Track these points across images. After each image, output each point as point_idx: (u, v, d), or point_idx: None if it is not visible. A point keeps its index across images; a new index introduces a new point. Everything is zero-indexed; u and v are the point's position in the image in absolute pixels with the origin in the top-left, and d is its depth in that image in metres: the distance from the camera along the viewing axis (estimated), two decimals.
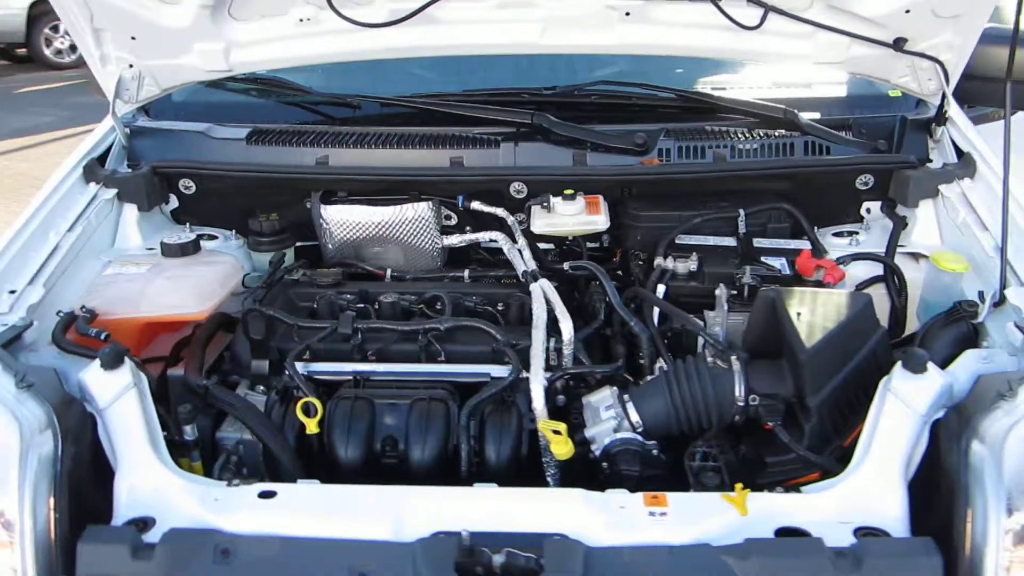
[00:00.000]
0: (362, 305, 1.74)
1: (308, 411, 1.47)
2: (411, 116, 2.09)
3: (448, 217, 2.01)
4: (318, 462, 1.49)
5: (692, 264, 1.74)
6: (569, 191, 1.85)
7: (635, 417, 1.47)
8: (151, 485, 1.27)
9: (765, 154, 1.95)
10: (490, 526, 1.18)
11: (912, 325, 1.77)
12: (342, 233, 1.95)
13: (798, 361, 1.40)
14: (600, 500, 1.25)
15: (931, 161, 1.98)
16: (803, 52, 1.90)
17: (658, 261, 1.76)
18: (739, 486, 1.26)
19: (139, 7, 1.79)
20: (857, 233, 1.95)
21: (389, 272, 1.92)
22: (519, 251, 1.83)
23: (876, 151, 2.00)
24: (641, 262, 1.85)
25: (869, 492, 1.25)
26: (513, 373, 1.51)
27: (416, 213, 1.92)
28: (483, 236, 1.94)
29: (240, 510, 1.21)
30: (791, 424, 1.43)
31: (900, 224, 1.89)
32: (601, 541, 1.18)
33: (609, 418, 1.50)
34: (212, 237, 2.00)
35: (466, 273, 1.90)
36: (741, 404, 1.44)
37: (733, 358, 1.47)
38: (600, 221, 1.82)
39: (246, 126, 2.08)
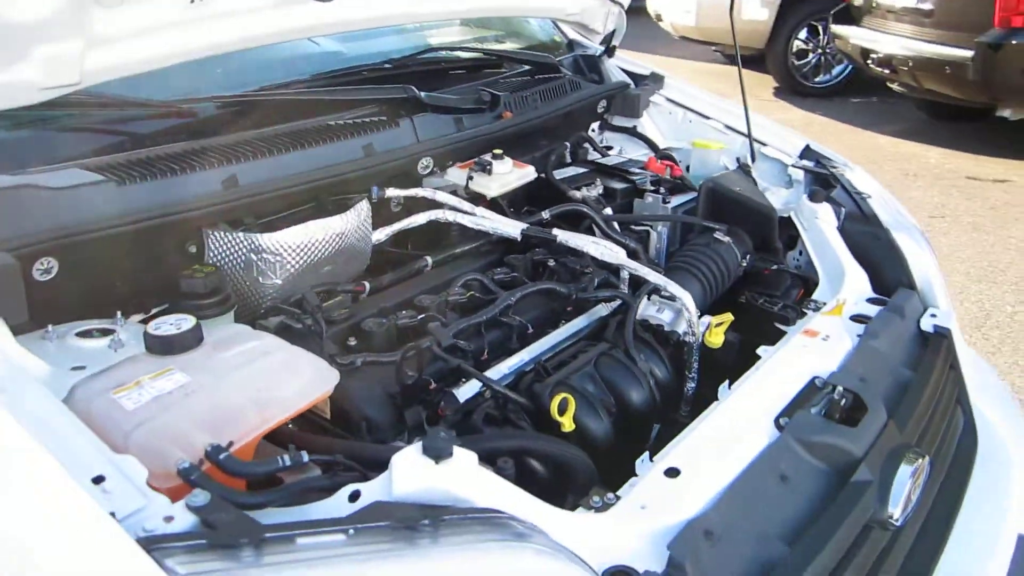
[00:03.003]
0: (420, 316, 1.54)
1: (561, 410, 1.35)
2: (273, 110, 1.74)
3: None
4: None
5: (599, 188, 2.04)
6: (497, 152, 1.90)
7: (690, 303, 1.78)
8: None
9: (558, 95, 2.29)
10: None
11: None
12: (298, 260, 1.59)
13: (767, 217, 1.92)
14: (794, 349, 1.58)
15: None
16: (564, 6, 2.28)
17: (576, 194, 2.00)
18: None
19: None
20: (610, 146, 2.48)
21: (367, 286, 1.67)
22: (483, 218, 1.82)
23: (593, 81, 2.53)
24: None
25: (855, 277, 1.87)
26: (633, 303, 1.63)
27: (365, 214, 1.70)
28: (414, 221, 1.83)
29: None
30: (769, 263, 1.94)
31: (634, 131, 2.49)
32: (832, 368, 1.53)
33: (675, 316, 1.77)
34: (104, 331, 1.38)
35: (429, 260, 1.78)
36: (744, 264, 1.90)
37: (721, 235, 1.89)
38: (531, 171, 1.94)
39: (73, 164, 1.44)
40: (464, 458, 1.04)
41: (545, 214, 1.88)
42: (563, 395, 1.36)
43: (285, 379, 1.24)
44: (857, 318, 1.72)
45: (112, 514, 0.90)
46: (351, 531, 0.93)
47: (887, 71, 6.32)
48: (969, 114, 6.41)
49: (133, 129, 1.60)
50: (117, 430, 1.11)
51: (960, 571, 1.35)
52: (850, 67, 7.77)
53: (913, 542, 1.35)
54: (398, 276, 1.72)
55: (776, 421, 1.35)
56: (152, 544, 0.87)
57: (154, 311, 1.54)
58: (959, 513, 1.44)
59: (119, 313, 1.43)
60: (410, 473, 1.02)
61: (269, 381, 1.22)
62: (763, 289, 1.91)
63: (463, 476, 1.03)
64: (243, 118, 1.68)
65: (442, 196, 1.86)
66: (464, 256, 1.83)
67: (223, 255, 1.56)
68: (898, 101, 7.22)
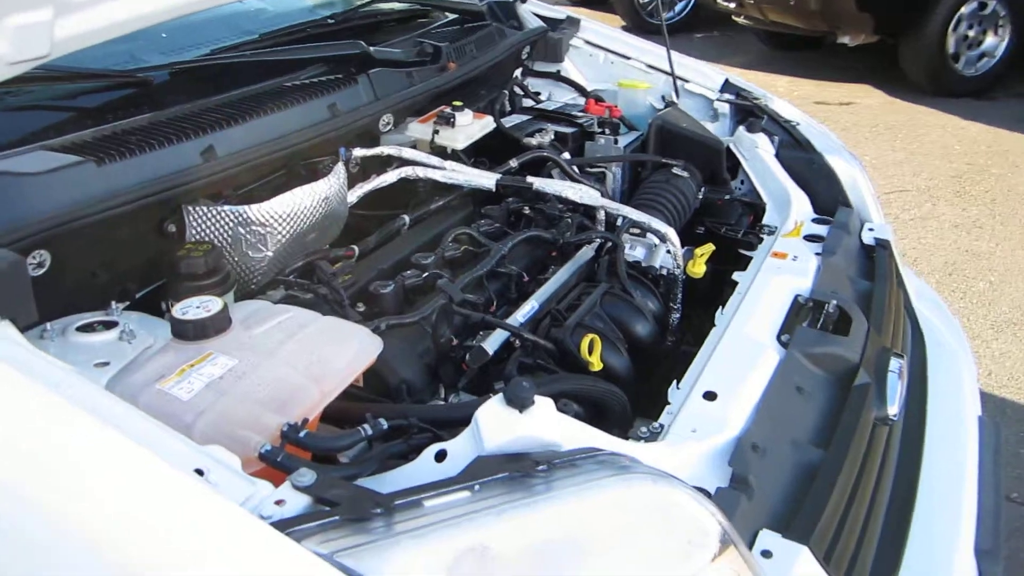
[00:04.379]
0: (424, 274, 1.53)
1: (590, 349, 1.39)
2: (228, 74, 1.64)
3: None
4: None
5: (549, 134, 2.07)
6: (457, 103, 1.88)
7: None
8: None
9: (490, 43, 2.28)
10: None
11: None
12: (287, 230, 1.53)
13: (716, 151, 2.02)
14: (771, 271, 1.69)
15: None
16: None
17: (531, 140, 2.02)
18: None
19: None
20: (538, 92, 2.51)
21: (356, 250, 1.63)
22: (454, 171, 1.81)
23: (513, 28, 2.53)
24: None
25: (799, 200, 2.01)
26: (620, 243, 1.69)
27: (342, 175, 1.65)
28: (384, 179, 1.79)
29: None
30: (720, 194, 2.05)
31: (559, 75, 2.53)
32: (808, 286, 1.65)
33: (649, 250, 1.85)
34: (107, 324, 1.29)
35: (406, 219, 1.76)
36: (700, 196, 2.00)
37: (680, 169, 1.98)
38: (490, 121, 1.93)
39: (37, 145, 1.31)
40: (545, 405, 1.07)
41: (513, 163, 1.89)
42: (590, 336, 1.40)
43: (333, 349, 1.21)
44: (811, 237, 1.86)
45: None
46: (476, 487, 0.94)
47: (733, 4, 6.64)
48: (809, 44, 6.87)
49: (86, 104, 1.47)
50: (177, 422, 1.05)
51: (942, 456, 1.53)
52: (692, 3, 8.10)
53: (901, 434, 1.51)
54: (382, 237, 1.69)
55: (779, 339, 1.46)
56: (285, 528, 0.85)
57: (139, 295, 1.44)
58: (928, 404, 1.62)
59: (114, 303, 1.34)
60: (497, 425, 1.03)
61: (318, 353, 1.19)
62: (718, 219, 2.02)
63: (547, 422, 1.06)
64: (201, 84, 1.57)
65: (410, 153, 1.83)
66: (440, 212, 1.81)
67: (206, 231, 1.47)
68: (739, 34, 7.60)
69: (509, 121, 2.16)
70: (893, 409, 1.41)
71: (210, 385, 1.10)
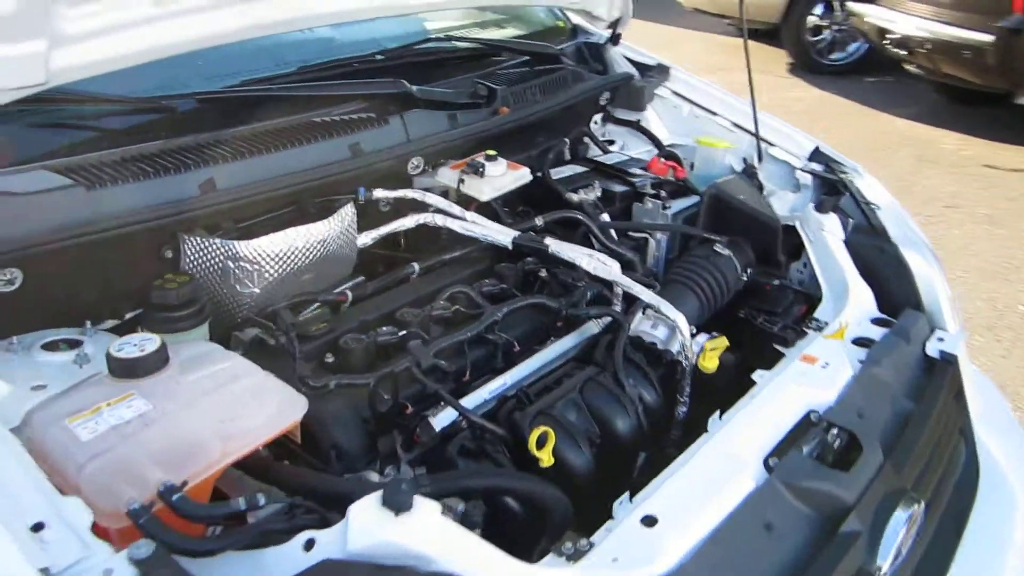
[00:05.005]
0: (401, 333, 1.48)
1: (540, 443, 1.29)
2: (254, 107, 1.66)
3: None
4: None
5: (597, 191, 1.97)
6: (491, 152, 1.82)
7: (684, 322, 1.71)
8: None
9: (559, 88, 2.19)
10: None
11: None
12: (276, 269, 1.52)
13: (771, 229, 1.84)
14: (790, 378, 1.51)
15: None
16: None
17: (574, 197, 1.92)
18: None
19: None
20: (612, 140, 2.39)
21: (350, 294, 1.60)
22: (473, 223, 1.75)
23: (595, 71, 2.43)
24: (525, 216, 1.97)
25: (861, 295, 1.80)
26: (625, 322, 1.57)
27: (350, 218, 1.63)
28: (403, 224, 1.76)
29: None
30: (771, 278, 1.87)
31: (639, 125, 2.40)
32: (829, 401, 1.46)
33: (669, 334, 1.70)
34: (71, 343, 1.33)
35: (416, 267, 1.72)
36: (744, 279, 1.82)
37: (722, 247, 1.82)
38: (526, 173, 1.86)
39: (40, 164, 1.37)
40: (426, 509, 0.99)
41: (539, 220, 1.80)
42: (542, 429, 1.30)
43: (252, 408, 1.18)
44: (860, 341, 1.65)
45: (45, 570, 0.85)
46: None
47: (904, 52, 6.15)
48: (988, 99, 6.25)
49: (106, 126, 1.52)
50: (71, 463, 1.05)
51: None
52: (866, 45, 7.58)
53: None
54: (383, 284, 1.65)
55: (765, 462, 1.29)
56: None
57: (129, 316, 1.48)
58: (952, 564, 1.39)
59: (88, 323, 1.38)
60: (367, 526, 0.96)
61: (234, 410, 1.17)
62: (764, 305, 1.84)
63: (424, 531, 0.97)
64: (223, 115, 1.59)
65: (432, 199, 1.78)
66: (453, 263, 1.76)
67: (199, 261, 1.49)
68: (915, 82, 7.04)
69: (561, 172, 2.07)
70: (885, 565, 1.21)
71: (116, 428, 1.10)
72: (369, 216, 1.78)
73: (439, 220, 1.75)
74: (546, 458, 1.29)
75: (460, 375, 1.45)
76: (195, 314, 1.41)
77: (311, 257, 1.56)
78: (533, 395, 1.42)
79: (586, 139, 2.26)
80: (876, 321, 1.73)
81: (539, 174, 2.00)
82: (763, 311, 1.82)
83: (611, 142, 2.38)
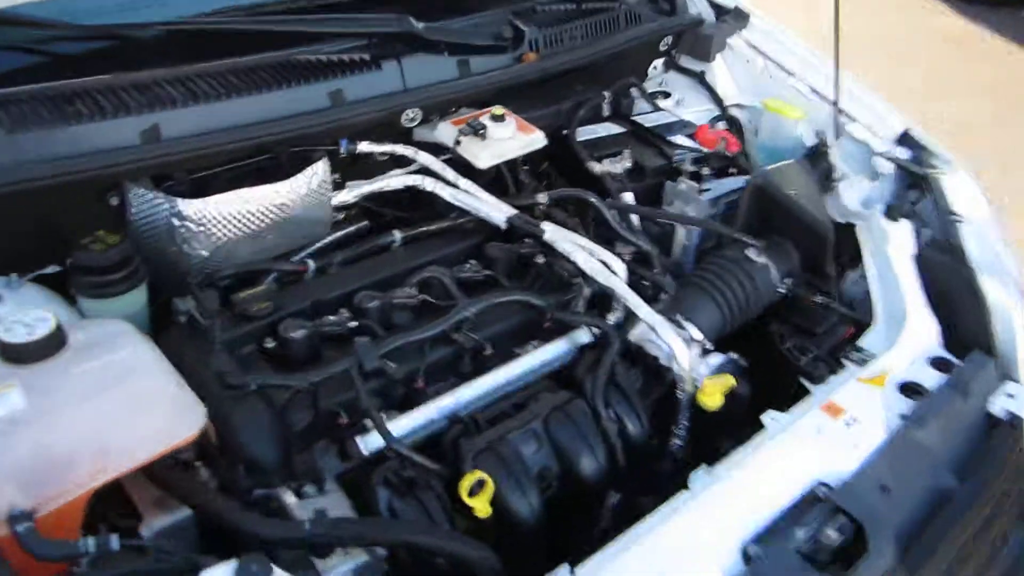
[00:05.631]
0: (351, 324, 1.29)
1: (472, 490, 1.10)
2: (221, 42, 1.44)
3: None
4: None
5: (627, 161, 1.69)
6: (498, 110, 1.56)
7: (699, 335, 1.46)
8: None
9: (606, 31, 1.88)
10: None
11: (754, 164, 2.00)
12: (222, 234, 1.34)
13: (819, 235, 1.54)
14: (802, 435, 1.26)
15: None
16: None
17: (596, 168, 1.66)
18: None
19: None
20: (668, 93, 2.07)
21: (312, 264, 1.42)
22: (468, 192, 1.51)
23: (661, 11, 2.09)
24: (548, 179, 1.72)
25: (920, 327, 1.50)
26: (615, 339, 1.34)
27: (320, 177, 1.42)
28: (390, 183, 1.54)
29: None
30: (814, 292, 1.58)
31: (703, 78, 2.07)
32: (846, 472, 1.21)
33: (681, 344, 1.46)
34: None
35: (397, 236, 1.51)
36: (783, 289, 1.54)
37: (762, 253, 1.53)
38: (539, 137, 1.60)
39: None
40: None
41: (542, 198, 1.55)
42: (476, 476, 1.10)
43: (138, 418, 1.02)
44: (909, 388, 1.37)
45: None
46: None
47: None
48: None
49: (46, 55, 1.34)
50: None
51: None
52: None
53: None
54: (355, 253, 1.46)
55: (744, 551, 1.07)
56: None
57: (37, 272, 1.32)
58: None
59: (14, 276, 1.24)
60: None
61: (117, 419, 1.01)
62: (801, 321, 1.56)
63: None
64: (186, 49, 1.39)
65: (424, 157, 1.55)
66: (443, 233, 1.54)
67: (145, 215, 1.32)
68: None
69: (594, 132, 1.79)
70: None
71: None
72: (362, 167, 1.57)
73: (428, 184, 1.52)
74: (481, 508, 1.09)
75: (412, 380, 1.26)
76: (126, 278, 1.25)
77: (268, 220, 1.37)
78: (485, 422, 1.21)
79: (633, 91, 1.95)
80: (935, 362, 1.44)
81: (564, 132, 1.74)
82: (798, 329, 1.55)
83: (666, 95, 2.06)
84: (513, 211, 1.47)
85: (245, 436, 1.11)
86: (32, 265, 1.29)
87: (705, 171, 1.72)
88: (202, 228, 1.32)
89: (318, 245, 1.49)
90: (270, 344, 1.26)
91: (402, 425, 1.19)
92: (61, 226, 1.29)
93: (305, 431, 1.17)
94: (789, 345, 1.50)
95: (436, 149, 1.60)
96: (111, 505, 1.09)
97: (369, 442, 1.15)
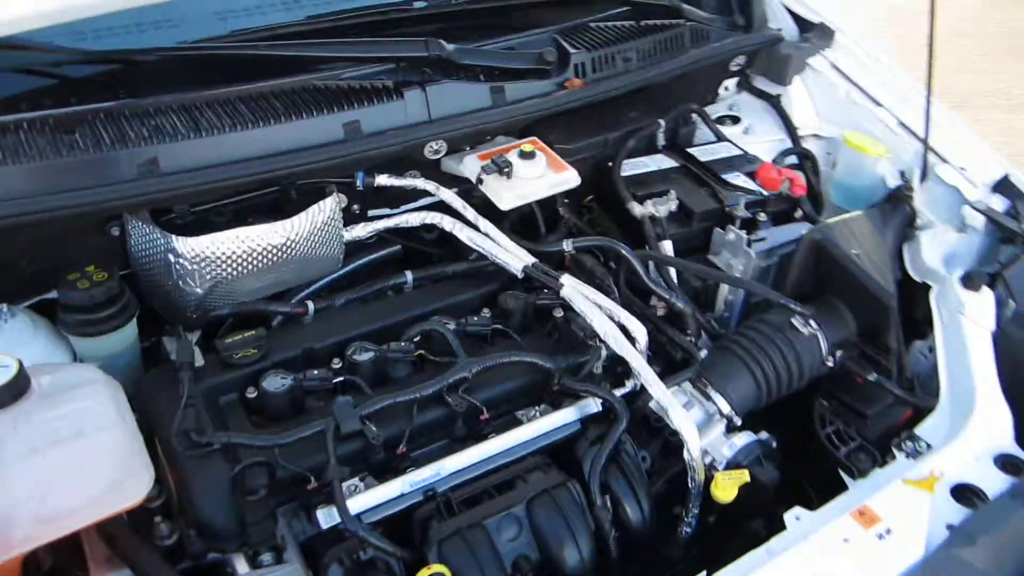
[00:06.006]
0: (336, 380, 1.22)
1: None
2: (235, 66, 1.38)
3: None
4: None
5: (672, 203, 1.54)
6: (528, 147, 1.45)
7: (727, 408, 1.32)
8: None
9: (662, 49, 1.72)
10: None
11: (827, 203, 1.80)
12: (216, 272, 1.29)
13: (882, 305, 1.36)
14: (825, 544, 1.11)
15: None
16: None
17: (637, 209, 1.52)
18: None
19: None
20: (737, 117, 1.90)
21: (312, 307, 1.35)
22: (487, 235, 1.41)
23: (735, 26, 1.91)
24: (589, 213, 1.60)
25: (990, 417, 1.31)
26: (623, 415, 1.21)
27: (326, 215, 1.35)
28: (407, 220, 1.46)
29: None
30: (869, 367, 1.40)
31: (778, 102, 1.88)
32: None
33: (701, 422, 1.32)
34: None
35: (409, 277, 1.42)
36: (831, 363, 1.37)
37: (811, 322, 1.36)
38: (571, 177, 1.47)
39: None
40: None
41: (567, 245, 1.43)
42: (434, 570, 1.01)
43: (83, 479, 0.97)
44: (964, 492, 1.19)
45: None
46: None
47: None
48: None
49: (43, 81, 1.32)
50: None
51: None
52: None
53: None
54: (356, 295, 1.38)
55: None
56: None
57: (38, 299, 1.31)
58: None
59: (4, 307, 1.23)
60: None
61: (62, 478, 0.97)
62: (850, 399, 1.38)
63: None
64: (192, 73, 1.34)
65: (445, 195, 1.46)
66: (456, 280, 1.44)
67: (144, 247, 1.29)
68: None
69: (643, 165, 1.65)
70: None
71: None
72: (390, 192, 1.49)
73: (447, 224, 1.42)
74: None
75: (393, 446, 1.18)
76: (110, 317, 1.22)
77: (267, 261, 1.31)
78: (460, 502, 1.12)
79: (695, 116, 1.79)
80: (1002, 461, 1.25)
81: (610, 164, 1.61)
82: (846, 408, 1.37)
83: (735, 120, 1.88)
84: (531, 260, 1.36)
85: (199, 498, 1.06)
86: (31, 293, 1.28)
87: (762, 216, 1.55)
88: (197, 266, 1.27)
89: (328, 279, 1.43)
90: (252, 394, 1.21)
91: (370, 499, 1.11)
92: (61, 254, 1.27)
93: (269, 495, 1.11)
94: (830, 431, 1.33)
95: (465, 181, 1.50)
96: (65, 554, 1.06)
97: (332, 514, 1.07)
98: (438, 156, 1.47)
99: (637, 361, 1.22)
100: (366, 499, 1.10)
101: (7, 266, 1.25)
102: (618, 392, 1.27)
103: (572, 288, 1.31)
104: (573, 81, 1.57)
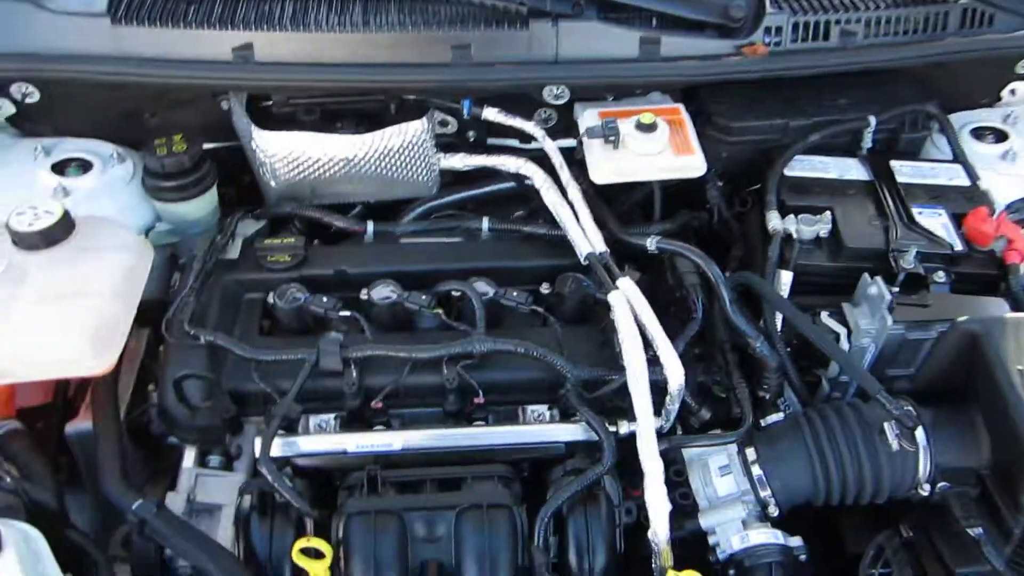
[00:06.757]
0: (343, 312, 1.17)
1: (312, 553, 0.98)
2: None
3: (443, 123, 1.37)
4: None
5: (823, 227, 1.22)
6: (648, 117, 1.22)
7: (765, 492, 1.06)
8: None
9: (909, 28, 1.33)
10: None
11: None
12: (290, 171, 1.29)
13: (1021, 450, 0.98)
14: None
15: None
16: None
17: (774, 220, 1.23)
18: None
19: None
20: (1006, 134, 1.43)
21: (371, 226, 1.31)
22: (570, 206, 1.24)
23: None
24: (743, 205, 1.33)
25: None
26: (609, 459, 1.04)
27: (407, 138, 1.27)
28: (504, 163, 1.33)
29: None
30: (984, 515, 1.03)
31: None
32: None
33: (730, 496, 1.09)
34: (83, 164, 1.30)
35: (485, 224, 1.31)
36: (925, 492, 1.04)
37: (919, 431, 1.03)
38: (695, 163, 1.23)
39: None
40: None
41: (651, 244, 1.20)
42: (312, 543, 0.95)
43: (62, 336, 1.05)
44: None
45: None
46: None
47: None
48: None
49: None
50: None
51: None
52: None
53: None
54: (423, 228, 1.31)
55: None
56: None
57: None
58: None
59: (114, 151, 1.33)
60: None
61: (37, 325, 1.05)
62: (943, 545, 1.04)
63: None
64: None
65: (551, 147, 1.30)
66: (533, 240, 1.30)
67: (241, 128, 1.32)
68: None
69: (819, 167, 1.33)
70: None
71: None
72: (501, 130, 1.37)
73: (538, 179, 1.27)
74: (316, 572, 0.96)
75: (371, 396, 1.12)
76: (186, 186, 1.27)
77: (331, 171, 1.28)
78: (391, 482, 1.04)
79: (933, 123, 1.38)
80: None
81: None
82: (932, 554, 1.04)
83: (1001, 136, 1.43)
84: (600, 248, 1.17)
85: (163, 383, 1.10)
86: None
87: (939, 277, 1.17)
88: (270, 160, 1.28)
89: (431, 204, 1.36)
90: (271, 300, 1.21)
91: (309, 444, 1.07)
92: (180, 115, 1.34)
93: (239, 403, 1.12)
94: (881, 572, 1.03)
95: None
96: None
97: (290, 445, 1.06)
98: (559, 101, 1.30)
99: (642, 402, 1.02)
100: (306, 443, 1.07)
101: (133, 114, 1.34)
102: (621, 429, 1.08)
103: (622, 296, 1.10)
104: (756, 47, 1.28)
